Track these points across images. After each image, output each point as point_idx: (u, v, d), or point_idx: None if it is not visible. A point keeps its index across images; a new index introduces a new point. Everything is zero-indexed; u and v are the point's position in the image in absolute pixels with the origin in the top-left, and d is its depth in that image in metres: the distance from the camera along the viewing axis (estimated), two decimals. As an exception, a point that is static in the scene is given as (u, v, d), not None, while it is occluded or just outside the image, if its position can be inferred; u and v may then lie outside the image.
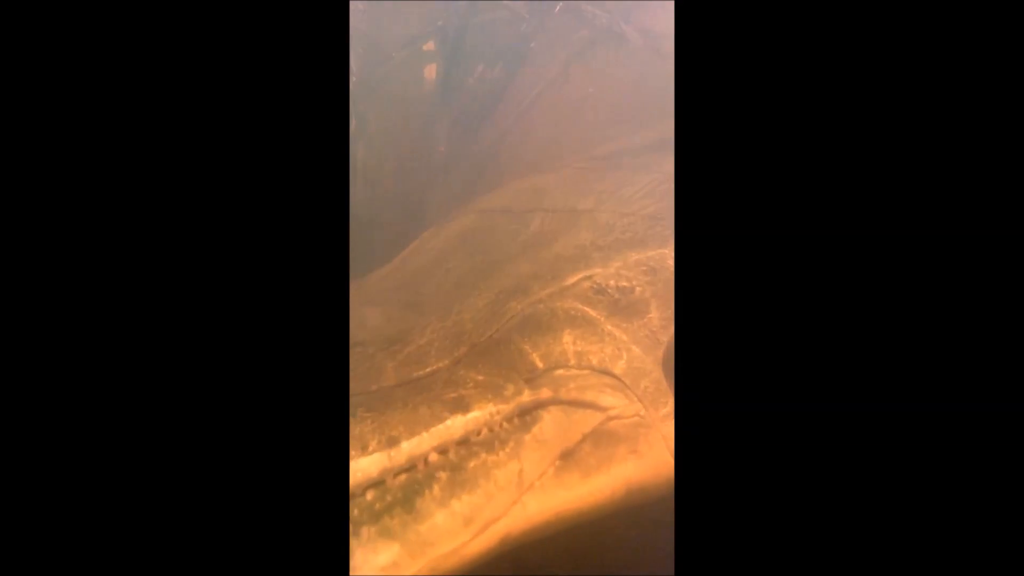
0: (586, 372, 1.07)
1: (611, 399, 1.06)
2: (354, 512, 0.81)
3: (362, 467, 0.84)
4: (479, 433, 0.95)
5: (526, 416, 0.99)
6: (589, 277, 1.14)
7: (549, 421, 1.00)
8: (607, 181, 1.39)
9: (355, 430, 0.86)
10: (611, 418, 1.06)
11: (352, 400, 0.90)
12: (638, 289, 1.15)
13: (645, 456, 1.08)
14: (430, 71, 2.20)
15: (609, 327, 1.11)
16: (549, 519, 0.97)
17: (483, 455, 0.92)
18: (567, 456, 1.01)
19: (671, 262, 1.18)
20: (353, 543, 0.79)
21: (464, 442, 0.93)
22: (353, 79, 2.18)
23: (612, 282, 1.14)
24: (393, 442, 0.86)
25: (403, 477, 0.86)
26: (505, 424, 0.97)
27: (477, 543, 0.88)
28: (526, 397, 1.00)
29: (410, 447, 0.87)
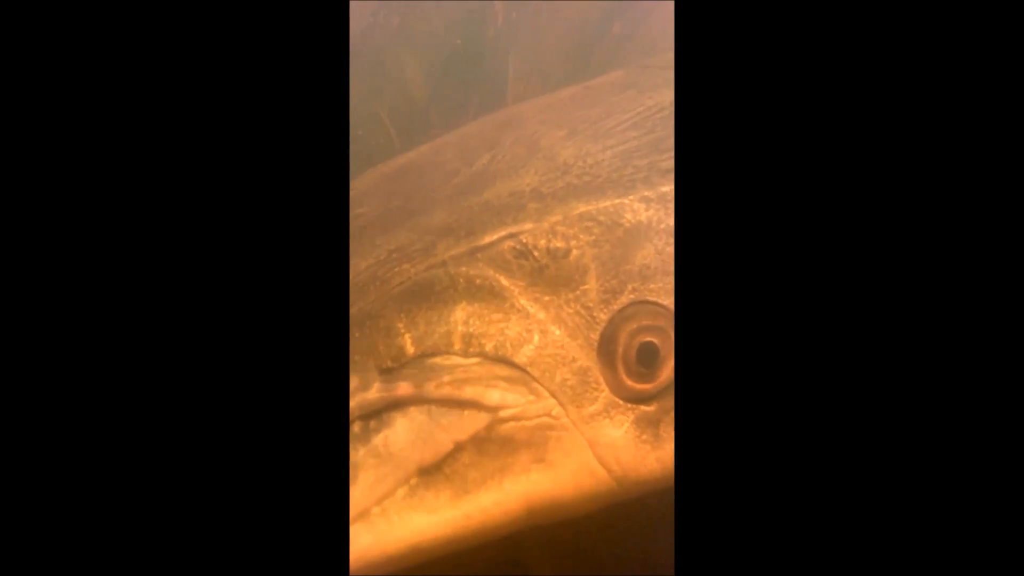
0: (474, 361, 0.84)
1: (503, 396, 0.83)
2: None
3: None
4: None
5: (370, 420, 0.78)
6: (514, 235, 0.89)
7: (403, 427, 0.79)
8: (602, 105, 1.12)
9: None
10: (503, 420, 0.83)
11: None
12: (575, 251, 0.89)
13: (557, 465, 0.85)
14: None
15: (523, 301, 0.87)
16: (396, 553, 0.77)
17: None
18: (431, 471, 0.80)
19: (630, 216, 0.91)
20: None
21: None
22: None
23: (543, 242, 0.89)
24: None
25: None
26: None
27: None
28: (373, 394, 0.79)
29: None
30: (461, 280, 0.87)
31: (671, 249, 0.91)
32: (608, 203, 0.92)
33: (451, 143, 1.15)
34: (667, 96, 1.11)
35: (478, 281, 0.87)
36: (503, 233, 0.90)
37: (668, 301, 0.90)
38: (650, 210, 0.92)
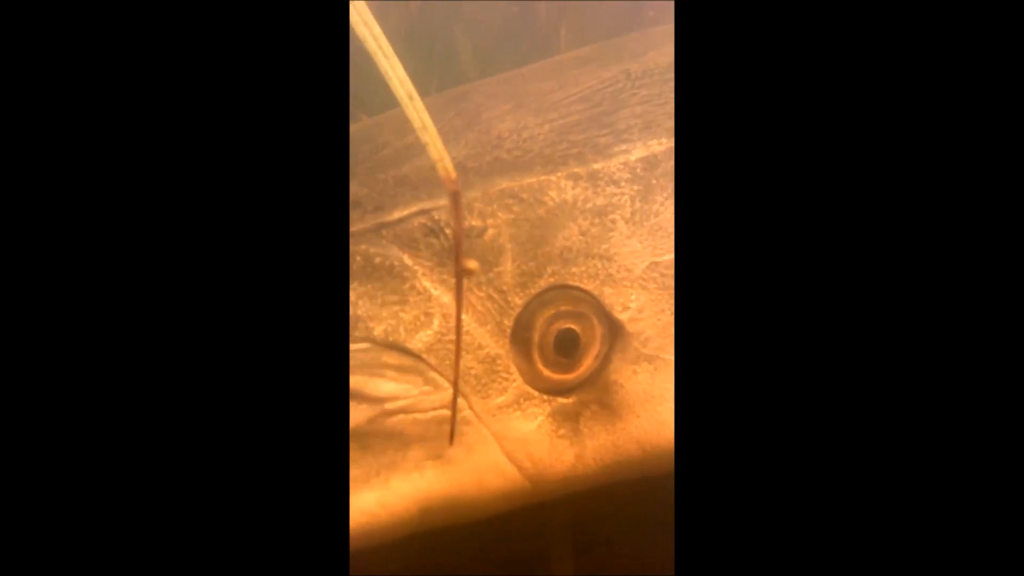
0: (360, 347, 0.78)
1: (392, 385, 0.77)
2: None
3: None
4: None
5: None
6: (426, 211, 0.83)
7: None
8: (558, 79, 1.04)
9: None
10: (391, 412, 0.77)
11: None
12: (491, 230, 0.82)
13: (458, 462, 0.79)
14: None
15: (425, 283, 0.81)
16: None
17: None
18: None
19: (555, 193, 0.84)
20: None
21: None
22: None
23: (457, 219, 0.82)
24: None
25: None
26: None
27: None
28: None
29: None
30: (358, 258, 0.81)
31: (596, 230, 0.83)
32: (533, 179, 0.85)
33: (395, 116, 1.08)
34: (625, 68, 1.02)
35: (377, 259, 0.81)
36: (415, 209, 0.84)
37: (591, 286, 0.83)
38: (577, 188, 0.84)
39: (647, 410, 0.85)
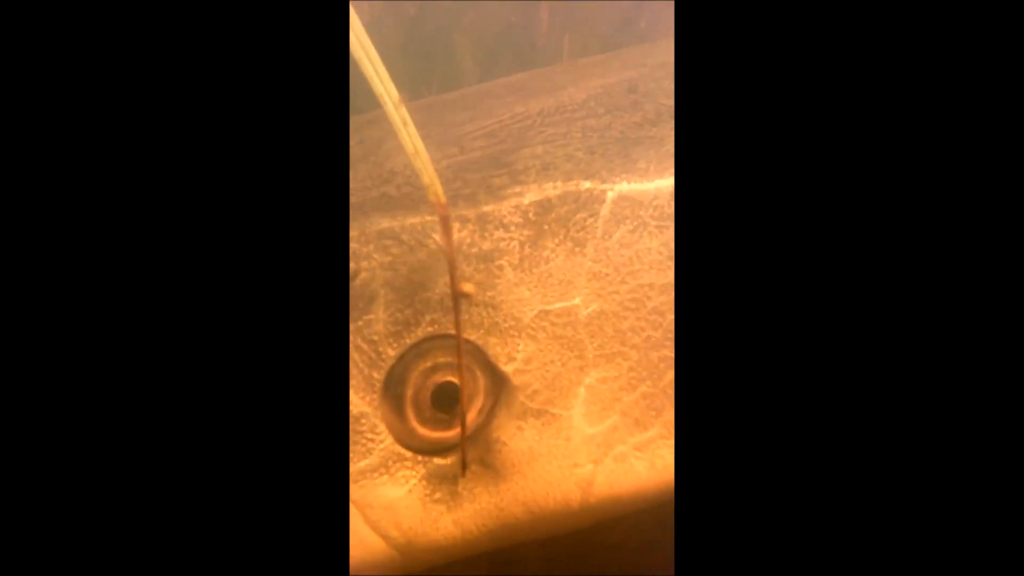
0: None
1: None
2: None
3: None
4: None
5: None
6: None
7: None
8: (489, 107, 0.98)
9: None
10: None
11: None
12: (364, 274, 0.76)
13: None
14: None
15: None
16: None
17: None
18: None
19: (439, 236, 0.77)
20: None
21: None
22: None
23: (329, 261, 0.75)
24: None
25: None
26: None
27: None
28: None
29: None
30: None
31: (481, 276, 0.77)
32: (417, 220, 0.78)
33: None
34: (541, 103, 0.97)
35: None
36: None
37: (474, 335, 0.76)
38: (463, 231, 0.77)
39: (534, 470, 0.78)
